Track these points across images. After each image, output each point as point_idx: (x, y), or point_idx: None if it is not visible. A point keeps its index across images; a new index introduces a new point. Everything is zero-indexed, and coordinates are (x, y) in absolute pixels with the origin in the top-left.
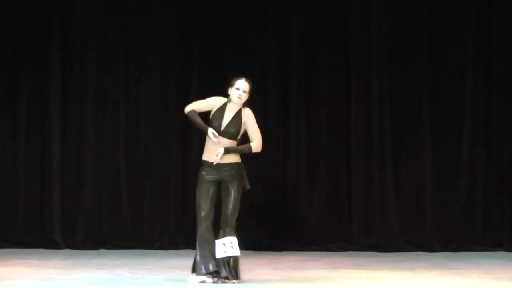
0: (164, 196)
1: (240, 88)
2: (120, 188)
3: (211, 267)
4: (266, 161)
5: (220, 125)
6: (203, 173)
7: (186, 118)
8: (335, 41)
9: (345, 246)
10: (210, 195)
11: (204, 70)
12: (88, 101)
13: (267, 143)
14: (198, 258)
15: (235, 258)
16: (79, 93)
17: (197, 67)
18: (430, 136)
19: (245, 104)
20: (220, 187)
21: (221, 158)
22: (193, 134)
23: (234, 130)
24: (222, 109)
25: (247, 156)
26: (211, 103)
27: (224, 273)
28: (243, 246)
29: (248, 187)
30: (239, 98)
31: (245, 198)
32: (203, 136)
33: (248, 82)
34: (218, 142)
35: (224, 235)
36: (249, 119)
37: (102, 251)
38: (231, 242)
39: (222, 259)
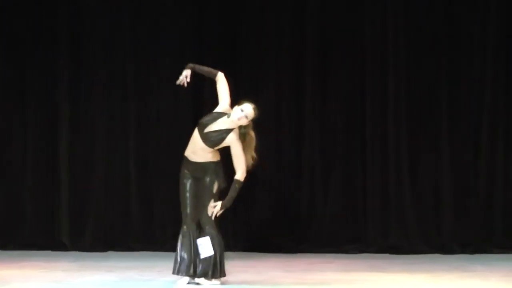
0: (175, 196)
1: (244, 111)
2: (130, 188)
3: (191, 268)
4: (280, 162)
5: (206, 126)
6: (185, 171)
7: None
8: (349, 40)
9: (360, 248)
10: (191, 192)
11: (216, 69)
12: (97, 101)
13: (281, 145)
14: (179, 257)
15: (211, 258)
16: (88, 92)
17: (209, 67)
18: (448, 136)
19: (242, 129)
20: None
21: (217, 213)
22: None
23: (213, 141)
24: (220, 114)
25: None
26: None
27: (201, 273)
28: (254, 248)
29: (223, 185)
30: (238, 119)
31: (257, 199)
32: None
33: (255, 112)
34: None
35: (199, 235)
36: (233, 145)
37: (111, 253)
38: (201, 244)
39: (202, 258)
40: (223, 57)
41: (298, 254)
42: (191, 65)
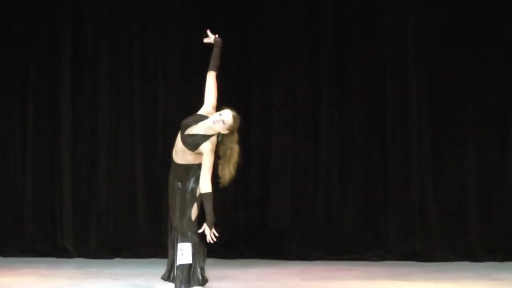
0: None
1: (222, 115)
2: (136, 191)
3: (171, 274)
4: (296, 166)
5: (187, 127)
6: (172, 172)
7: None
8: (368, 39)
9: (381, 255)
10: (179, 194)
11: (228, 66)
12: (101, 100)
13: (296, 149)
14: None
15: (190, 266)
16: (91, 91)
17: (220, 63)
18: (473, 137)
19: (222, 137)
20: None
21: (210, 236)
22: None
23: (190, 145)
24: (201, 117)
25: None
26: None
27: (177, 281)
28: (269, 254)
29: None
30: (214, 122)
31: (271, 204)
32: None
33: (235, 120)
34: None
35: (177, 241)
36: (205, 154)
37: (117, 259)
38: (181, 249)
39: (180, 266)
40: (234, 53)
41: (316, 262)
42: (218, 44)
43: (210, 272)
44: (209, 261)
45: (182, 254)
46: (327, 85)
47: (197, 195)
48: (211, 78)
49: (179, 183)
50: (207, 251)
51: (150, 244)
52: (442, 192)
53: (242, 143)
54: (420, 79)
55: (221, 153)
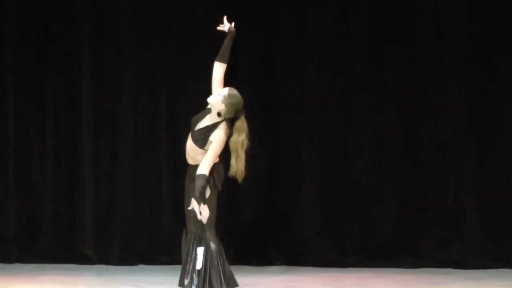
0: None
1: (220, 92)
2: (161, 195)
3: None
4: (327, 171)
5: (196, 123)
6: (187, 174)
7: None
8: (403, 36)
9: (417, 262)
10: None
11: (254, 64)
12: (124, 100)
13: (326, 152)
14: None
15: (205, 270)
16: (113, 90)
17: (246, 62)
18: None
19: (228, 121)
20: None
21: (198, 211)
22: None
23: (199, 141)
24: (208, 110)
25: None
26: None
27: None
28: (298, 261)
29: (215, 189)
30: (215, 103)
31: (300, 208)
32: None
33: (232, 92)
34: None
35: (194, 246)
36: (214, 142)
37: (140, 266)
38: (197, 254)
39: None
40: (261, 52)
41: (348, 269)
42: (232, 34)
43: (238, 279)
44: (238, 268)
45: (197, 258)
46: (361, 87)
47: (207, 196)
48: (221, 70)
49: (192, 185)
50: (235, 257)
51: (174, 251)
52: (481, 195)
53: (272, 148)
54: (457, 76)
55: (236, 144)
